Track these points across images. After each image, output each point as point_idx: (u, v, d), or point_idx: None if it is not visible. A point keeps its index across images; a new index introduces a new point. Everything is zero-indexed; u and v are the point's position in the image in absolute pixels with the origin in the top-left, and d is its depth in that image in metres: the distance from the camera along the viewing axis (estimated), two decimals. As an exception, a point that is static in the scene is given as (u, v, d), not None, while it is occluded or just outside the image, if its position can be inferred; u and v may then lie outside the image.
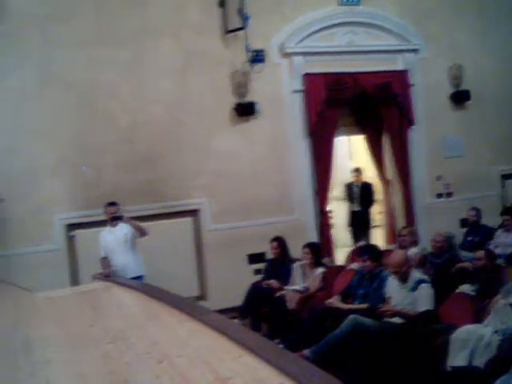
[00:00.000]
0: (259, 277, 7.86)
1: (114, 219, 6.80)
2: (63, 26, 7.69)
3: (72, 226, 7.83)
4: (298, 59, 8.97)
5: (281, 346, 5.59)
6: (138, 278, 6.76)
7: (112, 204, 6.88)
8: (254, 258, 8.53)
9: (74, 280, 7.73)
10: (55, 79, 7.70)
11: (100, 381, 3.24)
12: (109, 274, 6.59)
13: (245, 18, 8.27)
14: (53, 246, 7.67)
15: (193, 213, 8.43)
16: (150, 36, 8.12)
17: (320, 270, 7.01)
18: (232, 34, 8.43)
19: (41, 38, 7.61)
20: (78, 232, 7.82)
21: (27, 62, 7.57)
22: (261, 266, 8.18)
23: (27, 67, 7.57)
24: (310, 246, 7.26)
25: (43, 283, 6.82)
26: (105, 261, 6.79)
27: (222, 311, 5.79)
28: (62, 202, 7.76)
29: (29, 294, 6.10)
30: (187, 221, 8.39)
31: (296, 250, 7.53)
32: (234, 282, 7.99)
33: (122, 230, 6.81)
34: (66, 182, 7.76)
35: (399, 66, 9.59)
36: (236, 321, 6.83)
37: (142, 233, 6.83)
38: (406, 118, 9.61)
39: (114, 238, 6.84)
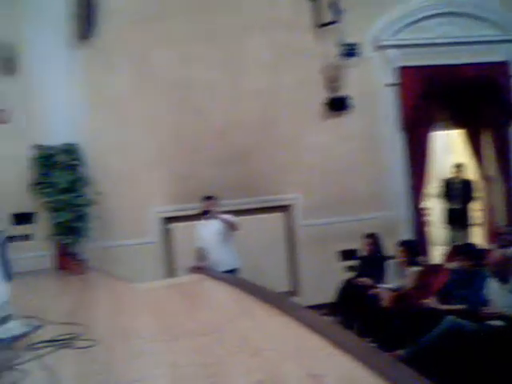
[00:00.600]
0: (351, 274, 7.75)
1: (204, 213, 6.92)
2: (160, 25, 7.91)
3: (168, 220, 8.06)
4: (392, 52, 8.76)
5: (373, 345, 5.49)
6: (232, 271, 6.85)
7: (207, 198, 7.01)
8: (346, 255, 8.43)
9: (170, 272, 7.95)
10: (153, 77, 7.94)
11: (192, 373, 3.29)
12: (203, 267, 6.71)
13: (338, 12, 8.17)
14: (150, 239, 7.93)
15: (285, 208, 8.44)
16: (242, 33, 8.20)
17: (415, 268, 6.82)
18: (324, 28, 8.35)
19: (139, 37, 7.86)
20: (174, 225, 8.03)
21: (127, 61, 7.86)
22: (353, 262, 8.08)
23: (127, 66, 7.86)
24: (405, 243, 7.08)
25: (140, 274, 7.07)
26: (200, 251, 6.93)
27: (313, 307, 5.76)
28: (158, 196, 8.00)
29: (126, 285, 6.33)
30: (279, 216, 8.41)
31: (390, 247, 7.37)
32: (325, 279, 7.94)
33: (216, 223, 6.91)
34: (162, 176, 8.00)
35: (499, 58, 9.13)
36: (327, 318, 6.78)
37: (232, 227, 6.90)
38: (506, 112, 9.15)
39: (208, 232, 6.96)
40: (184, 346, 3.81)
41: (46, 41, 7.56)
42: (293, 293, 8.29)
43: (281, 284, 7.98)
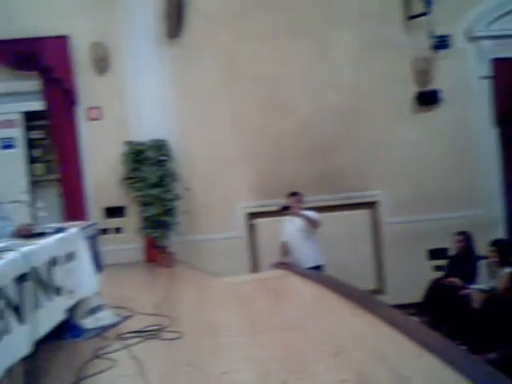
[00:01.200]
0: (440, 273, 7.50)
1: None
2: (248, 21, 7.94)
3: (253, 215, 8.11)
4: (486, 43, 8.37)
5: (462, 347, 5.28)
6: (316, 268, 6.79)
7: (293, 194, 6.97)
8: (435, 254, 8.16)
9: (254, 267, 8.00)
10: (240, 73, 8.00)
11: (277, 368, 3.29)
12: (287, 263, 6.70)
13: (428, 3, 7.90)
14: (235, 234, 8.00)
15: (371, 205, 8.27)
16: (331, 26, 8.10)
17: (508, 269, 6.50)
18: (414, 21, 8.10)
19: (227, 33, 7.94)
20: (258, 221, 8.07)
21: (215, 58, 7.96)
22: (442, 262, 7.80)
23: (215, 63, 7.96)
24: (498, 243, 6.77)
25: (225, 268, 7.15)
26: (284, 246, 6.91)
27: (400, 307, 5.60)
28: (244, 191, 8.06)
29: (212, 279, 6.43)
30: (365, 213, 8.25)
31: (482, 246, 7.07)
32: (412, 278, 7.71)
33: (299, 220, 6.87)
34: (248, 171, 8.05)
35: None
36: (415, 318, 6.59)
37: (313, 225, 6.82)
38: None
39: (293, 228, 6.93)
40: (268, 341, 3.81)
41: (137, 40, 7.78)
42: (378, 291, 8.12)
43: (366, 282, 7.83)
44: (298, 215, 6.78)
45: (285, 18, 8.01)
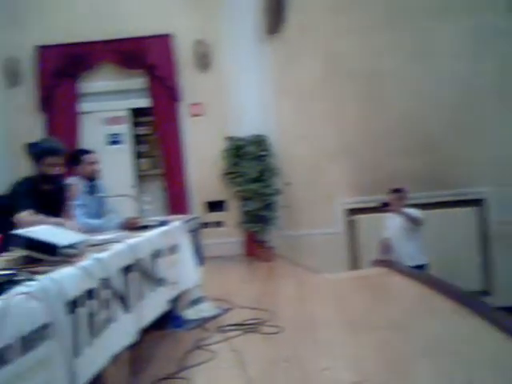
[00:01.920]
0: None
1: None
2: (349, 15, 7.82)
3: (352, 211, 7.98)
4: None
5: None
6: (419, 267, 6.56)
7: (395, 191, 6.77)
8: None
9: (354, 264, 7.88)
10: (340, 67, 7.89)
11: (377, 368, 3.21)
12: (388, 260, 6.53)
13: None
14: (335, 229, 7.92)
15: (477, 202, 7.91)
16: (434, 18, 7.80)
17: None
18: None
19: (327, 28, 7.86)
20: (358, 217, 7.94)
21: (316, 52, 7.90)
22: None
23: (316, 56, 7.90)
24: None
25: (324, 264, 7.08)
26: (386, 242, 6.73)
27: (508, 309, 5.32)
28: (342, 187, 7.95)
29: (311, 274, 6.39)
30: (471, 210, 7.89)
31: None
32: (523, 279, 7.31)
33: (400, 217, 6.67)
34: (347, 167, 7.94)
35: None
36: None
37: (414, 222, 6.59)
38: None
39: (394, 225, 6.74)
40: (368, 340, 3.73)
41: (238, 37, 7.86)
42: (485, 292, 7.76)
43: (471, 282, 7.50)
44: (397, 212, 6.58)
45: (385, 10, 7.82)
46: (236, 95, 7.87)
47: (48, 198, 3.79)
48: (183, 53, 7.93)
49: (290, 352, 3.59)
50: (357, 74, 7.85)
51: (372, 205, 7.36)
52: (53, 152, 3.76)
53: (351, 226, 8.00)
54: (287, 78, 7.95)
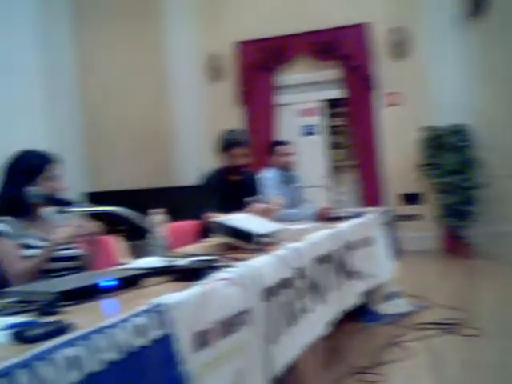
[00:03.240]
0: None
1: None
2: None
3: None
4: None
5: None
6: None
7: None
8: None
9: None
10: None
11: None
12: None
13: None
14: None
15: None
16: None
17: None
18: None
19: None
20: None
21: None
22: None
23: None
24: None
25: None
26: None
27: None
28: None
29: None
30: None
31: None
32: None
33: None
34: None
35: None
36: None
37: None
38: None
39: None
40: None
41: (436, 22, 7.48)
42: None
43: None
44: None
45: None
46: (434, 83, 7.50)
47: (236, 189, 3.90)
48: (379, 41, 7.74)
49: (493, 358, 3.32)
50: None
51: None
52: (239, 143, 3.88)
53: None
54: (490, 63, 7.36)
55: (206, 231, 3.33)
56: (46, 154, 2.68)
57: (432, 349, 3.47)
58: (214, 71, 8.40)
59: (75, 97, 7.81)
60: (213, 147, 4.03)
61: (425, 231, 7.46)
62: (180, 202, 6.54)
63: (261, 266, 2.33)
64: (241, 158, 3.87)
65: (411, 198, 7.67)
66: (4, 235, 2.51)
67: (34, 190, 2.45)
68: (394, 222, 5.06)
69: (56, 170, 2.64)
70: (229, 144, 3.89)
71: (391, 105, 7.77)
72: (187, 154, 8.37)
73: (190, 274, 2.04)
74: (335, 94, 8.03)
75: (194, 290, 1.88)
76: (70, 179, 2.74)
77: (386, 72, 7.72)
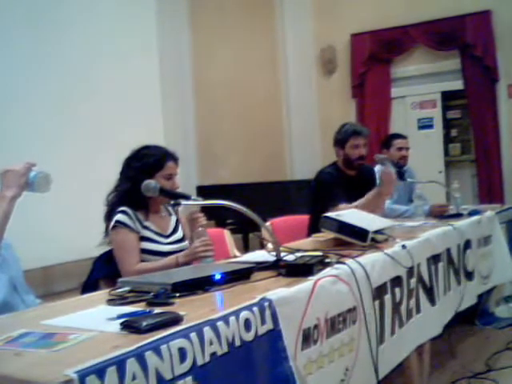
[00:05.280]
0: None
1: None
2: None
3: None
4: None
5: None
6: None
7: None
8: None
9: None
10: None
11: None
12: None
13: None
14: None
15: None
16: None
17: None
18: None
19: None
20: None
21: None
22: None
23: None
24: None
25: None
26: None
27: None
28: None
29: None
30: None
31: None
32: None
33: None
34: None
35: None
36: None
37: None
38: None
39: None
40: None
41: None
42: None
43: None
44: None
45: None
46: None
47: (353, 183, 3.83)
48: (502, 30, 7.33)
49: None
50: None
51: None
52: (356, 132, 3.80)
53: None
54: None
55: (316, 226, 3.32)
56: (166, 151, 2.70)
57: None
58: (328, 64, 8.35)
59: (189, 89, 8.03)
60: (333, 140, 3.94)
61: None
62: (291, 196, 6.61)
63: (372, 263, 2.29)
64: (359, 148, 3.78)
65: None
66: (127, 226, 2.57)
67: (152, 183, 2.47)
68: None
69: (174, 169, 2.67)
70: (348, 134, 3.80)
71: (514, 97, 7.36)
72: (300, 148, 8.39)
73: (299, 270, 2.05)
74: (453, 85, 7.71)
75: (303, 285, 1.88)
76: (183, 173, 2.79)
77: (510, 62, 7.30)
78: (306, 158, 7.97)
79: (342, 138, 3.82)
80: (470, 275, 3.48)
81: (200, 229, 2.57)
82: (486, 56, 7.35)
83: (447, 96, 7.92)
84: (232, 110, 7.89)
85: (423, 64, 7.80)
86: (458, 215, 3.84)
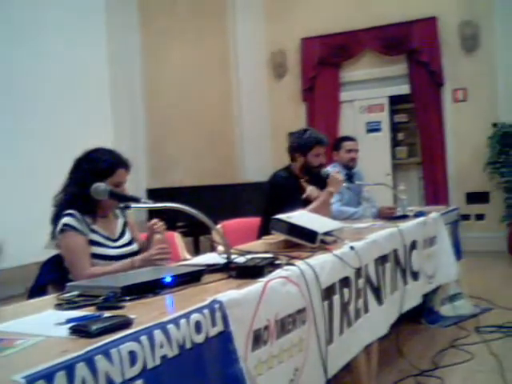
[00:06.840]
0: None
1: None
2: None
3: None
4: None
5: None
6: None
7: None
8: None
9: None
10: None
11: None
12: None
13: None
14: None
15: None
16: None
17: None
18: None
19: None
20: None
21: None
22: None
23: None
24: None
25: None
26: None
27: None
28: None
29: None
30: None
31: None
32: None
33: None
34: None
35: None
36: None
37: None
38: None
39: None
40: None
41: (506, 15, 7.24)
42: None
43: None
44: None
45: None
46: (505, 78, 7.27)
47: (303, 189, 3.86)
48: (447, 36, 7.55)
49: None
50: None
51: None
52: (321, 142, 3.82)
53: None
54: None
55: (267, 228, 3.34)
56: (119, 158, 2.63)
57: (494, 353, 3.38)
58: (278, 67, 8.42)
59: (140, 90, 7.94)
60: (290, 144, 3.91)
61: (491, 232, 7.26)
62: (243, 198, 6.64)
63: (320, 264, 2.32)
64: (320, 156, 3.82)
65: (477, 197, 7.46)
66: (75, 229, 2.51)
67: (102, 186, 2.42)
68: (458, 221, 4.94)
69: (124, 177, 2.62)
70: (312, 142, 3.80)
71: (458, 101, 7.58)
72: (251, 150, 8.43)
73: (249, 272, 2.06)
74: (401, 89, 7.90)
75: (253, 287, 1.90)
76: (133, 175, 2.74)
77: (454, 67, 7.54)
78: (258, 160, 8.01)
79: (304, 145, 3.80)
80: (415, 275, 3.58)
81: (159, 236, 2.55)
82: (432, 61, 7.56)
83: (394, 100, 8.09)
84: (183, 111, 7.86)
85: (371, 68, 7.96)
86: (405, 217, 3.93)
